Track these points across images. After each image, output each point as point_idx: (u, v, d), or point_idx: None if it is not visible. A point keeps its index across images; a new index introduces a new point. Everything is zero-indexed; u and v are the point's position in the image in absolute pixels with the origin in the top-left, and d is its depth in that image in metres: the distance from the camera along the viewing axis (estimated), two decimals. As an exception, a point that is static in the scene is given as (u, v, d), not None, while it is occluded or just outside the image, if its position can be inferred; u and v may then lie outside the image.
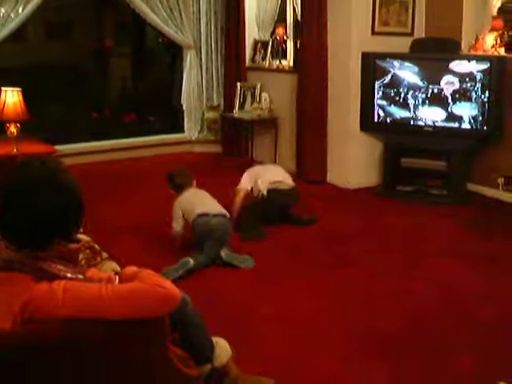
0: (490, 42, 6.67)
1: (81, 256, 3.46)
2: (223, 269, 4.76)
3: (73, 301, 1.93)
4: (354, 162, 7.08)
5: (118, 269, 3.32)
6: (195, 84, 9.16)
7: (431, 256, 5.04)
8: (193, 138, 9.34)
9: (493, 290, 4.38)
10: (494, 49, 6.61)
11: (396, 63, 6.63)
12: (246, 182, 5.84)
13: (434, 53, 6.58)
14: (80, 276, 2.10)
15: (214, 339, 2.95)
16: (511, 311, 4.06)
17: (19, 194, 2.00)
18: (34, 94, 7.00)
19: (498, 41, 6.61)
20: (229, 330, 3.40)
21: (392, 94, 6.69)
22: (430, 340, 3.70)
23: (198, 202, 4.97)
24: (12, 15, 7.58)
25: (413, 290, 4.38)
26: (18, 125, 5.48)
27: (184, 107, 9.31)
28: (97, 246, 3.64)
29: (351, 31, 6.86)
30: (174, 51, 9.75)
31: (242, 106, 8.57)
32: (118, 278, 2.60)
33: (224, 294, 4.31)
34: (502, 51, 6.58)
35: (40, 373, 1.92)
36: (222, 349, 2.95)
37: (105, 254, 3.52)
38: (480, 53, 6.67)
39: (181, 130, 9.48)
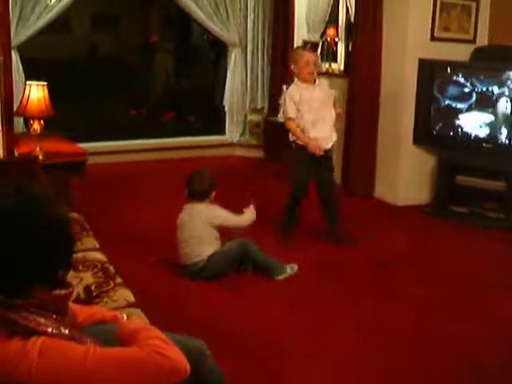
0: (559, 52, 6.17)
1: (92, 279, 3.07)
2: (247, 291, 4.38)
3: (49, 365, 1.55)
4: (404, 176, 6.64)
5: (132, 299, 2.91)
6: (239, 84, 8.92)
7: (488, 290, 4.56)
8: (234, 141, 9.04)
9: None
10: None
11: (457, 72, 6.14)
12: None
13: (497, 62, 6.09)
14: (64, 331, 1.66)
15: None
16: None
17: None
18: (73, 88, 6.78)
19: None
20: (258, 371, 2.98)
21: (451, 107, 6.21)
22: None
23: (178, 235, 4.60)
24: (53, 2, 7.29)
25: (467, 331, 3.90)
26: (42, 122, 5.15)
27: (226, 108, 9.04)
28: (111, 268, 3.23)
29: (408, 35, 6.46)
30: (219, 49, 9.48)
31: (287, 110, 8.17)
32: (126, 316, 2.20)
33: (251, 327, 3.86)
34: None
35: None
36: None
37: (119, 279, 3.10)
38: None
39: (222, 131, 9.18)
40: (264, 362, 3.41)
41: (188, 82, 10.38)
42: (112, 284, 3.01)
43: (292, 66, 5.32)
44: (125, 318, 2.25)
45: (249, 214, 4.73)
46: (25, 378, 1.53)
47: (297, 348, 3.61)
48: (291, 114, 5.21)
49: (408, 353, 3.63)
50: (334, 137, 5.39)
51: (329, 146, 5.29)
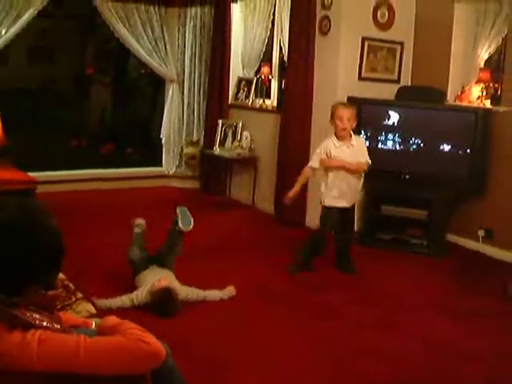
0: (475, 93, 6.66)
1: (54, 295, 3.32)
2: (198, 311, 4.61)
3: (48, 354, 1.80)
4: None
5: (94, 311, 3.18)
6: (176, 118, 9.10)
7: (413, 309, 4.90)
8: (170, 173, 9.23)
9: (475, 346, 4.28)
10: (479, 100, 6.59)
11: (382, 110, 6.56)
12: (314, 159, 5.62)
13: (419, 101, 6.52)
14: (57, 325, 1.95)
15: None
16: (493, 368, 3.95)
17: (3, 239, 1.85)
18: (12, 119, 6.88)
19: (484, 93, 6.59)
20: (205, 381, 3.26)
21: (376, 141, 6.62)
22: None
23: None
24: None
25: (395, 345, 4.25)
26: (-5, 150, 5.35)
27: (163, 141, 9.21)
28: (71, 285, 3.50)
29: (338, 75, 6.83)
30: (157, 83, 9.67)
31: (222, 144, 8.47)
32: (94, 323, 2.46)
33: (198, 340, 4.13)
34: (487, 103, 6.56)
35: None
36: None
37: (80, 294, 3.37)
38: (465, 104, 6.65)
39: (159, 163, 9.36)
40: (210, 373, 3.66)
41: (126, 114, 10.54)
42: (74, 298, 3.29)
43: (330, 120, 5.49)
44: (94, 324, 2.52)
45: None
46: (28, 364, 1.78)
47: (243, 361, 3.88)
48: (313, 164, 5.53)
49: (339, 365, 3.93)
50: (356, 198, 5.69)
51: (347, 205, 5.53)
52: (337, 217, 5.53)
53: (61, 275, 3.60)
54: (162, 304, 4.35)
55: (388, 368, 3.92)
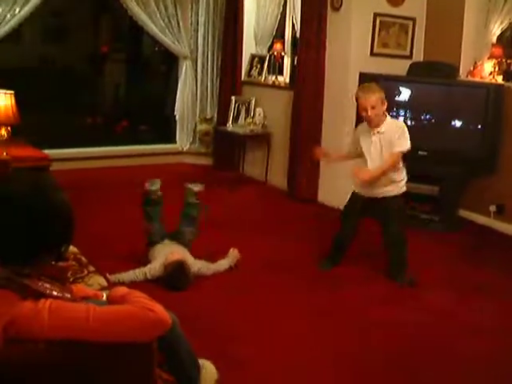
0: (488, 69, 6.66)
1: (67, 268, 3.40)
2: (209, 284, 4.70)
3: (58, 322, 1.87)
4: (346, 181, 6.95)
5: (105, 284, 3.25)
6: (189, 95, 9.13)
7: (421, 283, 4.95)
8: (184, 149, 9.28)
9: (480, 321, 4.34)
10: (491, 76, 6.59)
11: (395, 88, 6.58)
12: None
13: (431, 77, 6.53)
14: (67, 295, 2.02)
15: (201, 361, 2.88)
16: (498, 343, 4.01)
17: (6, 208, 1.92)
18: (27, 97, 6.94)
19: (496, 68, 6.59)
20: (213, 352, 3.32)
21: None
22: (414, 371, 3.64)
23: None
24: (8, 16, 7.49)
25: (401, 318, 4.32)
26: (9, 128, 5.41)
27: (177, 117, 9.26)
28: (84, 259, 3.58)
29: (350, 51, 6.86)
30: (170, 61, 9.69)
31: (235, 120, 8.52)
32: (105, 295, 2.53)
33: (204, 314, 4.21)
34: (499, 79, 6.56)
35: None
36: (208, 372, 2.89)
37: (92, 268, 3.45)
38: (477, 79, 6.65)
39: (172, 140, 9.42)
40: (218, 347, 3.72)
41: (140, 92, 10.57)
42: (86, 271, 3.37)
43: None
44: (104, 296, 2.59)
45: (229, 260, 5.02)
46: (39, 332, 1.85)
47: (246, 334, 3.96)
48: (346, 148, 5.35)
49: (348, 337, 4.01)
50: (389, 189, 4.89)
51: (375, 194, 4.91)
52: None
53: (74, 249, 3.67)
54: (175, 277, 4.42)
55: (390, 338, 4.01)
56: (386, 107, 4.79)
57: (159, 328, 1.97)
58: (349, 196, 5.19)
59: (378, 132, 4.80)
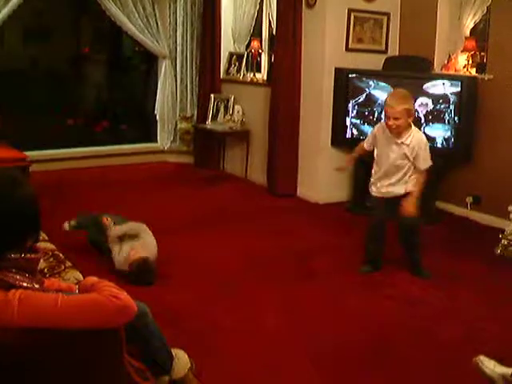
0: (462, 62, 6.76)
1: (44, 264, 3.47)
2: (185, 278, 4.77)
3: (28, 310, 1.93)
4: (324, 176, 7.09)
5: (81, 278, 3.31)
6: (169, 94, 9.18)
7: (397, 273, 5.04)
8: (165, 148, 9.34)
9: (453, 306, 4.44)
10: (465, 69, 6.69)
11: (371, 82, 6.66)
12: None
13: (406, 70, 6.61)
14: (36, 285, 2.09)
15: (174, 351, 2.95)
16: (472, 330, 4.09)
17: None
18: (8, 99, 6.95)
19: (470, 61, 6.69)
20: (190, 342, 3.39)
21: (365, 113, 6.73)
22: (392, 357, 3.71)
23: None
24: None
25: (377, 307, 4.41)
26: (-12, 130, 5.49)
27: (157, 117, 9.32)
28: (61, 255, 3.64)
29: (325, 46, 6.92)
30: (150, 60, 9.74)
31: (214, 118, 8.58)
32: (77, 287, 2.59)
33: (184, 305, 4.27)
34: (473, 72, 6.66)
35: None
36: (181, 361, 2.95)
37: (69, 263, 3.52)
38: (452, 72, 6.75)
39: (153, 139, 9.47)
40: (195, 336, 3.79)
41: (120, 92, 10.62)
42: (63, 267, 3.44)
43: None
44: (76, 289, 2.65)
45: None
46: (9, 320, 1.91)
47: (223, 324, 4.02)
48: (365, 142, 5.00)
49: (324, 325, 4.09)
50: (402, 188, 4.81)
51: (389, 193, 4.85)
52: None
53: (51, 245, 3.76)
54: (141, 274, 4.46)
55: (366, 328, 4.08)
56: (412, 119, 4.68)
57: (124, 314, 2.04)
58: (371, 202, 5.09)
59: (401, 142, 4.67)
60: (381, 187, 4.88)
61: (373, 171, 4.95)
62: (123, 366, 2.19)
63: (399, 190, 4.81)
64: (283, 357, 3.66)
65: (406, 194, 4.77)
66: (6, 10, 7.62)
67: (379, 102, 6.62)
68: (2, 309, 1.92)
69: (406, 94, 4.68)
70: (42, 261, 3.05)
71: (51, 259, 3.51)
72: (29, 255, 2.11)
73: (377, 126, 4.96)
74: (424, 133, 6.32)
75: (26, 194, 2.09)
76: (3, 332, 1.90)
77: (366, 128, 6.70)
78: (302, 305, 4.42)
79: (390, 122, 4.58)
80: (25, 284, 2.04)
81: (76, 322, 1.96)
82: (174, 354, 2.93)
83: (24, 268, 2.09)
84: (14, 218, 2.03)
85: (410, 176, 4.81)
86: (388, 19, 7.24)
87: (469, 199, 6.65)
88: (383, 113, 4.74)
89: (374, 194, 4.95)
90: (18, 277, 2.04)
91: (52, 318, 1.94)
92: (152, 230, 4.85)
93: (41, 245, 2.38)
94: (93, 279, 2.26)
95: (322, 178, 7.11)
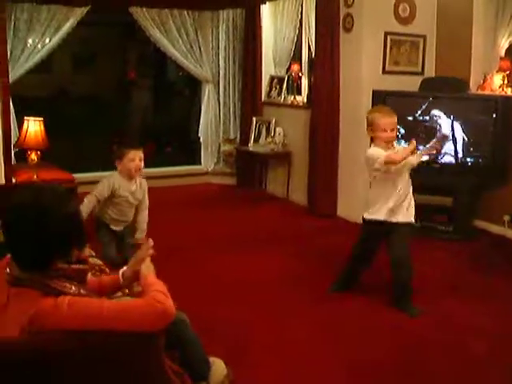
0: (497, 82, 6.85)
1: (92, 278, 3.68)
2: (227, 292, 4.96)
3: (76, 314, 2.12)
4: (363, 196, 7.16)
5: (126, 291, 3.51)
6: (213, 117, 9.42)
7: (431, 290, 5.12)
8: (209, 170, 9.56)
9: (488, 325, 4.47)
10: (501, 89, 6.78)
11: (407, 101, 6.78)
12: None
13: (442, 92, 6.72)
14: (83, 291, 2.30)
15: (211, 359, 3.12)
16: (505, 347, 4.14)
17: (29, 219, 2.18)
18: (58, 123, 7.22)
19: (506, 81, 6.78)
20: (226, 352, 3.56)
21: (402, 131, 6.84)
22: (419, 373, 3.80)
23: None
24: (39, 46, 7.88)
25: (411, 324, 4.49)
26: (39, 152, 5.73)
27: (201, 139, 9.54)
28: (107, 270, 3.86)
29: (362, 69, 7.08)
30: (194, 84, 9.99)
31: (256, 140, 8.79)
32: (122, 275, 2.76)
33: (220, 323, 4.39)
34: (508, 91, 6.75)
35: (43, 380, 2.10)
36: (218, 368, 3.12)
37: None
38: (487, 92, 6.85)
39: (197, 161, 9.71)
40: (230, 348, 3.97)
41: (165, 115, 10.88)
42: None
43: (367, 129, 4.77)
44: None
45: None
46: (58, 324, 2.10)
47: (257, 339, 4.19)
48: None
49: (355, 341, 4.19)
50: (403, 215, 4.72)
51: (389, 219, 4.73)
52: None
53: (99, 261, 3.99)
54: None
55: (397, 344, 4.17)
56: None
57: (162, 319, 2.21)
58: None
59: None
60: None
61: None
62: (163, 367, 2.37)
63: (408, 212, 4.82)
64: (317, 371, 3.78)
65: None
66: (55, 39, 7.94)
67: (416, 121, 6.73)
68: (52, 313, 2.11)
69: (389, 110, 4.79)
70: (89, 274, 3.25)
71: (98, 273, 3.71)
72: (77, 266, 2.33)
73: (377, 150, 4.71)
74: (460, 150, 6.50)
75: (72, 208, 2.31)
76: (54, 333, 2.09)
77: (403, 146, 6.78)
78: (331, 321, 4.53)
79: (393, 134, 4.67)
80: (72, 291, 2.25)
81: (119, 324, 2.14)
82: (211, 361, 3.10)
83: (73, 277, 2.30)
84: (61, 229, 2.21)
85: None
86: (424, 41, 7.36)
87: (506, 217, 6.71)
88: (378, 128, 4.64)
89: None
90: (66, 284, 2.25)
91: (98, 321, 2.13)
92: (196, 249, 4.98)
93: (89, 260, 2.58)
94: (148, 280, 2.46)
95: (361, 197, 7.20)
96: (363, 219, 4.90)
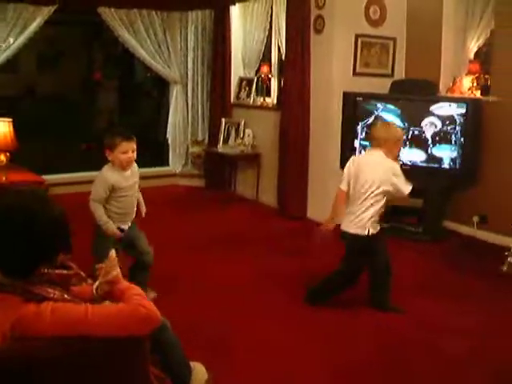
0: (466, 84, 6.91)
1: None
2: (201, 295, 4.92)
3: (59, 320, 2.07)
4: (333, 197, 7.17)
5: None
6: (181, 118, 9.39)
7: (404, 291, 5.12)
8: (177, 172, 9.51)
9: (459, 323, 4.52)
10: (470, 91, 6.84)
11: (379, 105, 6.79)
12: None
13: (412, 94, 6.75)
14: (67, 296, 2.24)
15: (192, 363, 3.08)
16: (478, 346, 4.17)
17: (16, 223, 2.11)
18: (23, 124, 7.11)
19: (475, 83, 6.84)
20: (206, 356, 3.52)
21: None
22: (402, 373, 3.81)
23: None
24: (3, 46, 7.75)
25: (387, 324, 4.51)
26: (8, 154, 5.62)
27: (169, 141, 9.50)
28: (82, 273, 3.78)
29: (333, 71, 7.09)
30: (161, 86, 9.92)
31: (225, 142, 8.75)
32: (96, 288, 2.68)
33: (193, 320, 4.39)
34: (478, 94, 6.81)
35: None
36: (199, 373, 3.09)
37: (90, 280, 3.65)
38: (457, 95, 6.89)
39: (165, 163, 9.65)
40: (213, 351, 3.93)
41: (132, 117, 10.79)
42: (84, 284, 3.58)
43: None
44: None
45: None
46: (41, 330, 2.04)
47: (240, 341, 4.16)
48: (342, 186, 4.97)
49: (336, 342, 4.20)
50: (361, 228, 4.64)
51: (344, 227, 4.78)
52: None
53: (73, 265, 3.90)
54: None
55: (376, 344, 4.19)
56: None
57: (149, 323, 2.18)
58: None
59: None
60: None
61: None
62: (147, 372, 2.33)
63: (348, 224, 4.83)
64: (297, 372, 3.77)
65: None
66: (21, 38, 7.82)
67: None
68: (35, 319, 2.05)
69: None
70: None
71: (78, 272, 3.64)
72: (60, 270, 2.27)
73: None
74: (431, 153, 6.53)
75: (57, 211, 2.23)
76: (36, 340, 2.04)
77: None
78: (315, 324, 4.51)
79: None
80: (55, 296, 2.18)
81: (104, 329, 2.09)
82: (192, 366, 3.07)
83: (57, 283, 2.24)
84: (45, 233, 2.16)
85: None
86: (394, 44, 7.41)
87: (475, 218, 6.76)
88: (395, 144, 4.67)
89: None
90: (50, 290, 2.18)
91: (82, 327, 2.08)
92: (164, 250, 4.94)
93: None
94: (125, 285, 2.40)
95: (331, 199, 7.17)
96: (373, 235, 4.68)
